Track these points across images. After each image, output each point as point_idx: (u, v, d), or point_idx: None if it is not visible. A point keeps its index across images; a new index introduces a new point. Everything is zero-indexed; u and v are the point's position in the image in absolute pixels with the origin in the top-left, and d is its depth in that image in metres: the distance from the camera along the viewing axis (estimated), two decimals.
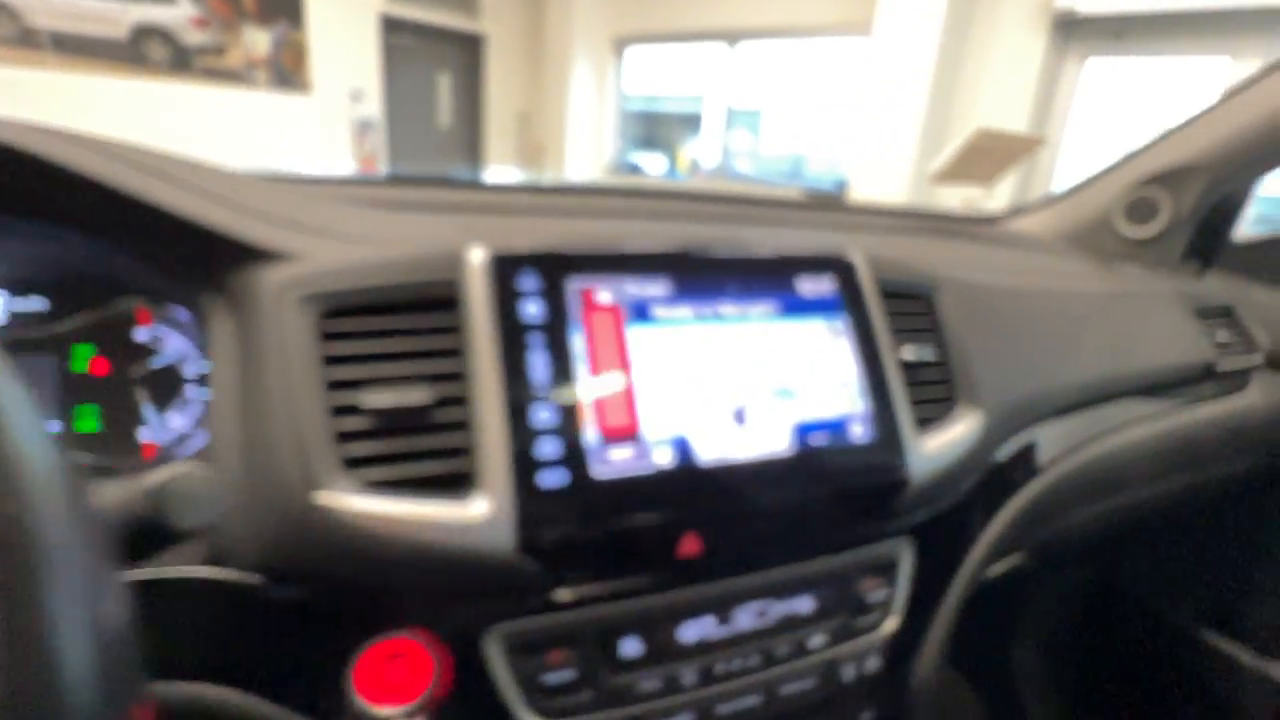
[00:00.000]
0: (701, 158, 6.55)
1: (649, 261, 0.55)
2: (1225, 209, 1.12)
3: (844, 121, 5.48)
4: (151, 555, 0.35)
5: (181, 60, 4.68)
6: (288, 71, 5.24)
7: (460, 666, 0.49)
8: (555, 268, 0.51)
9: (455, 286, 0.50)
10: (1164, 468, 0.95)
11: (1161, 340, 0.94)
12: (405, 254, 0.51)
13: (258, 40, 5.02)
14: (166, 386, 0.59)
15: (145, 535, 0.33)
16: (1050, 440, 0.82)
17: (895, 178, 4.47)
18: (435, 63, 6.35)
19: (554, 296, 0.51)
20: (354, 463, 0.45)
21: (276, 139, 5.26)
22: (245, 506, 0.45)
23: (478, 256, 0.50)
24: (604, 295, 0.53)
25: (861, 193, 4.59)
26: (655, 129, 7.22)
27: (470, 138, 6.79)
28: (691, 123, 6.71)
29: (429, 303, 0.50)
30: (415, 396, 0.46)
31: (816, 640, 0.60)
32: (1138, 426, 0.90)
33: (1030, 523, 0.79)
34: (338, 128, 5.63)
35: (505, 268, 0.50)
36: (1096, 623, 1.35)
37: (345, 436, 0.46)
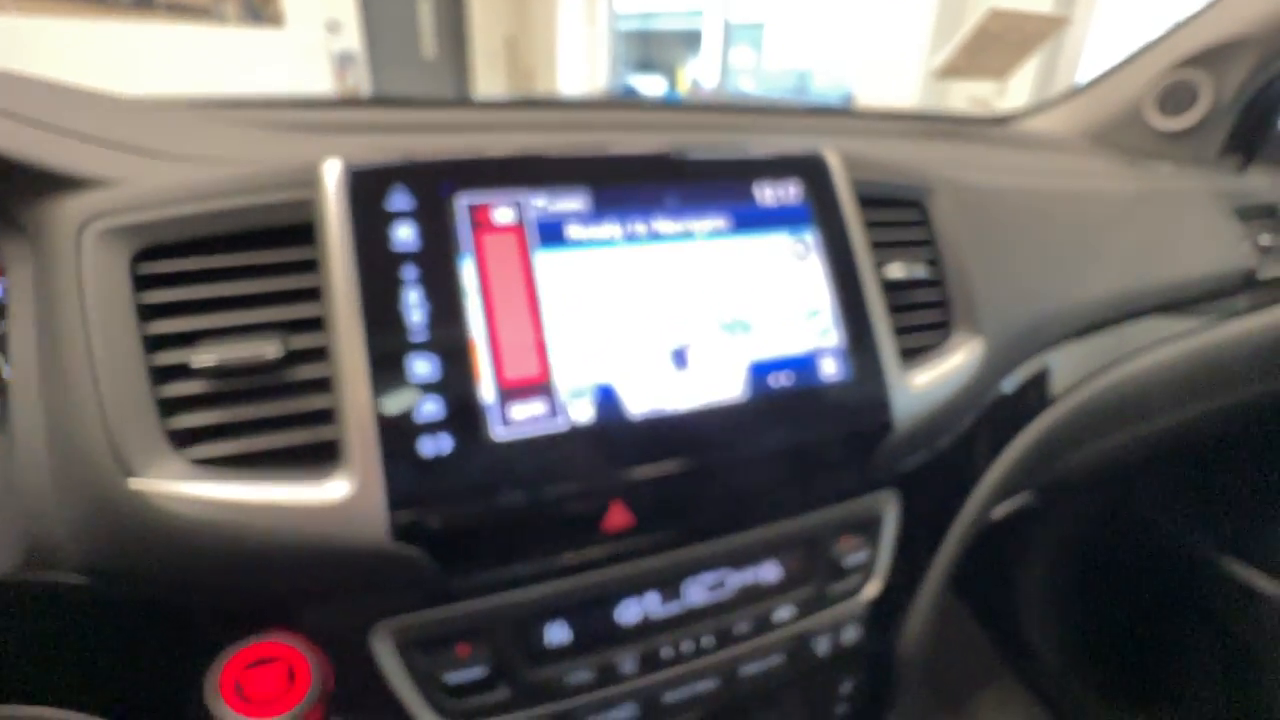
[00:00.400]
0: (702, 77, 6.19)
1: (561, 168, 0.44)
2: (1274, 93, 0.97)
3: (849, 32, 5.12)
4: None
5: None
6: (257, 4, 4.93)
7: (346, 669, 0.41)
8: (435, 180, 0.41)
9: (309, 209, 0.39)
10: (1190, 393, 0.85)
11: (1195, 245, 0.81)
12: (243, 173, 0.40)
13: None
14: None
15: None
16: (1063, 365, 0.71)
17: (903, 87, 4.20)
18: None
19: (435, 217, 0.40)
20: (184, 437, 0.37)
21: (249, 78, 4.99)
22: (55, 496, 0.36)
23: (334, 170, 0.39)
24: (502, 213, 0.42)
25: (867, 104, 4.33)
26: (652, 49, 6.82)
27: (457, 67, 6.44)
28: (691, 41, 6.32)
29: (276, 233, 0.40)
30: (260, 351, 0.37)
31: (783, 613, 0.51)
32: (1162, 348, 0.79)
33: (1039, 460, 0.70)
34: (315, 63, 5.33)
35: (370, 182, 0.39)
36: (1107, 550, 1.28)
37: (171, 405, 0.37)
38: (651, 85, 6.52)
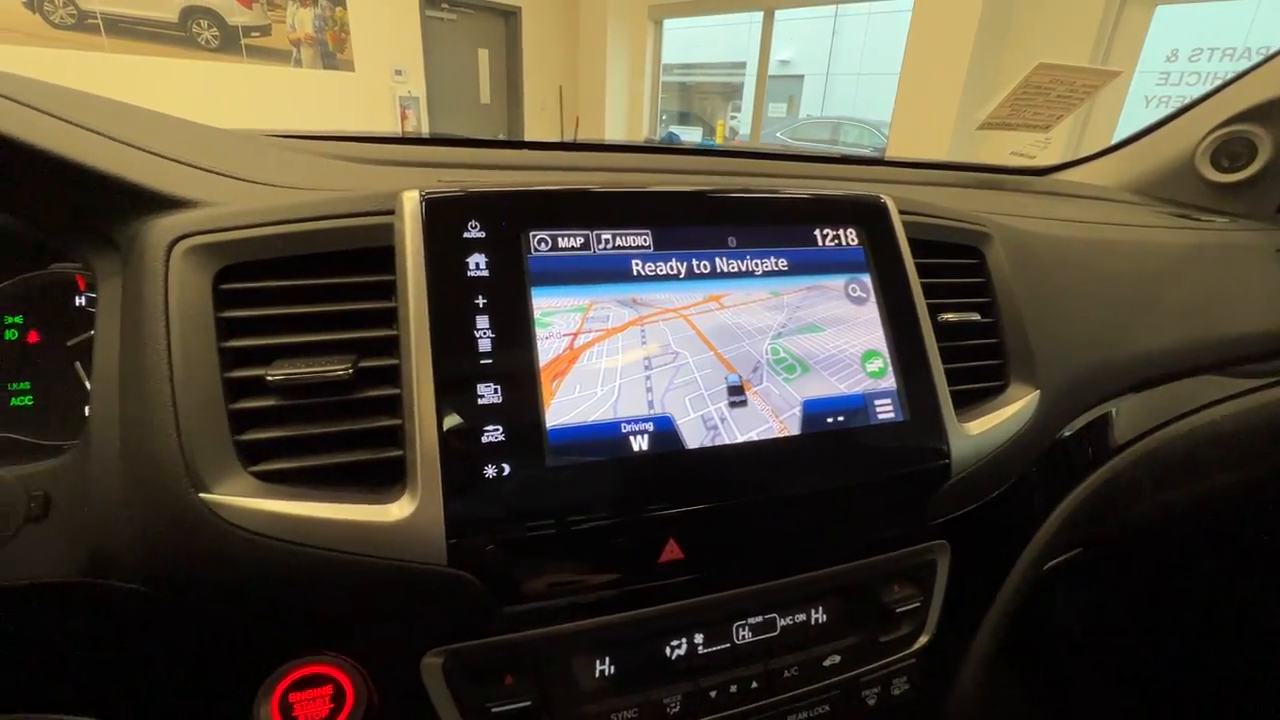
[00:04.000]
0: (739, 128, 6.32)
1: (629, 206, 0.46)
2: None
3: (884, 87, 5.21)
4: None
5: (229, 40, 4.75)
6: (331, 50, 5.27)
7: (392, 695, 0.41)
8: (508, 212, 0.42)
9: (386, 234, 0.42)
10: (1250, 452, 0.82)
11: (1254, 300, 0.79)
12: (324, 198, 0.43)
13: (302, 19, 5.06)
14: None
15: None
16: (1119, 419, 0.70)
17: (936, 140, 4.26)
18: (474, 38, 6.28)
19: (506, 247, 0.42)
20: (253, 451, 0.38)
21: (322, 117, 5.31)
22: (123, 505, 0.37)
23: (413, 198, 0.41)
24: (570, 249, 0.44)
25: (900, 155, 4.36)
26: (694, 101, 7.00)
27: (511, 113, 6.72)
28: (729, 93, 6.48)
29: (353, 257, 0.42)
30: (332, 369, 0.39)
31: (833, 660, 0.50)
32: (1220, 405, 0.76)
33: (1093, 515, 0.68)
34: (381, 104, 5.64)
35: (446, 211, 0.41)
36: (1160, 614, 1.21)
37: (243, 419, 0.38)
38: (691, 136, 6.68)
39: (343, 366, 0.39)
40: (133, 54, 4.40)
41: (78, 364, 0.58)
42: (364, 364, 0.40)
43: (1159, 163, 1.06)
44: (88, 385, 0.57)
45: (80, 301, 0.60)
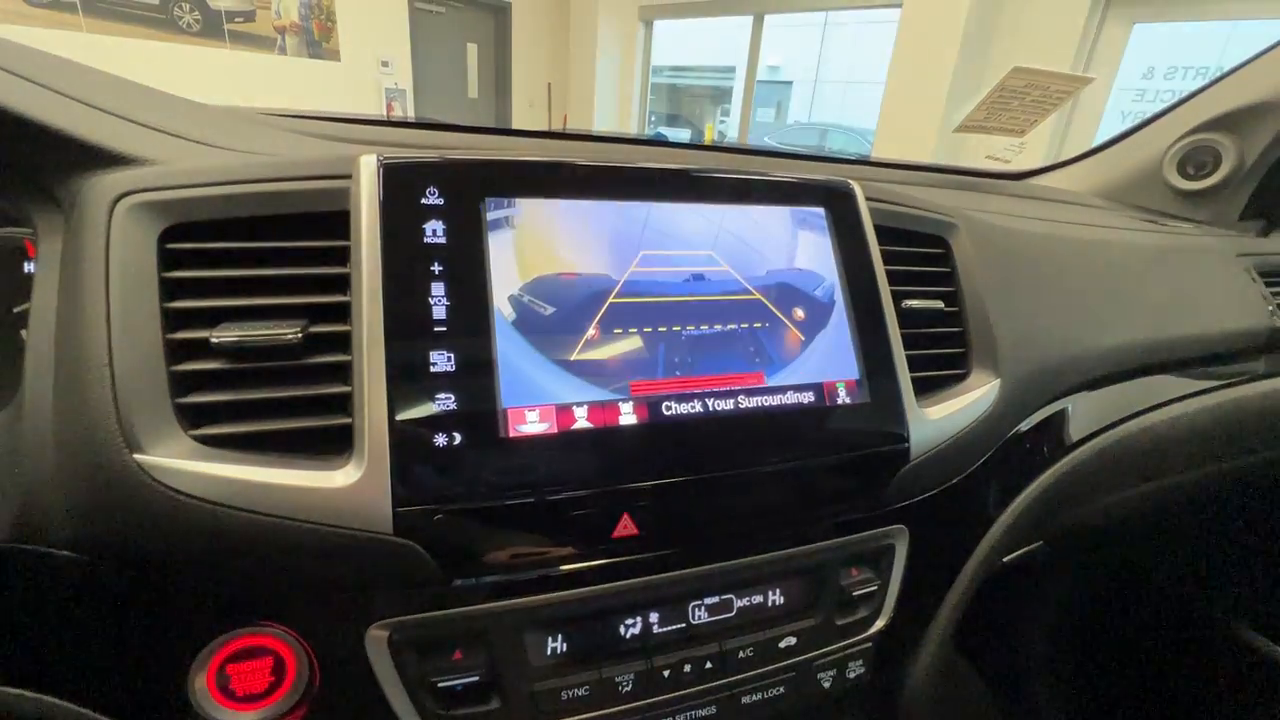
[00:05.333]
0: (727, 131, 6.36)
1: (590, 179, 0.45)
2: None
3: (871, 96, 5.28)
4: None
5: (211, 24, 4.67)
6: (317, 38, 5.20)
7: (335, 669, 0.40)
8: (467, 180, 0.42)
9: (341, 199, 0.41)
10: (1206, 452, 0.83)
11: (1216, 302, 0.81)
12: (277, 160, 0.42)
13: (287, 6, 4.98)
14: None
15: None
16: (1079, 414, 0.71)
17: (920, 145, 4.32)
18: (463, 32, 6.24)
19: (464, 215, 0.41)
20: (194, 415, 0.37)
21: (306, 107, 5.24)
22: (56, 467, 0.36)
23: (370, 163, 0.40)
24: (528, 219, 0.43)
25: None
26: (681, 103, 7.02)
27: (498, 109, 6.68)
28: (718, 97, 6.51)
29: (304, 220, 0.41)
30: (280, 333, 0.38)
31: (788, 642, 0.50)
32: (1179, 404, 0.78)
33: (1051, 509, 0.68)
34: (367, 95, 5.58)
35: (404, 176, 0.40)
36: (1116, 610, 1.23)
37: (185, 381, 0.37)
38: (679, 138, 6.70)
39: (291, 330, 0.38)
40: (111, 34, 4.31)
41: (23, 332, 0.57)
42: (314, 329, 0.39)
43: (1128, 169, 1.08)
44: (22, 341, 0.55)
45: (29, 268, 0.58)
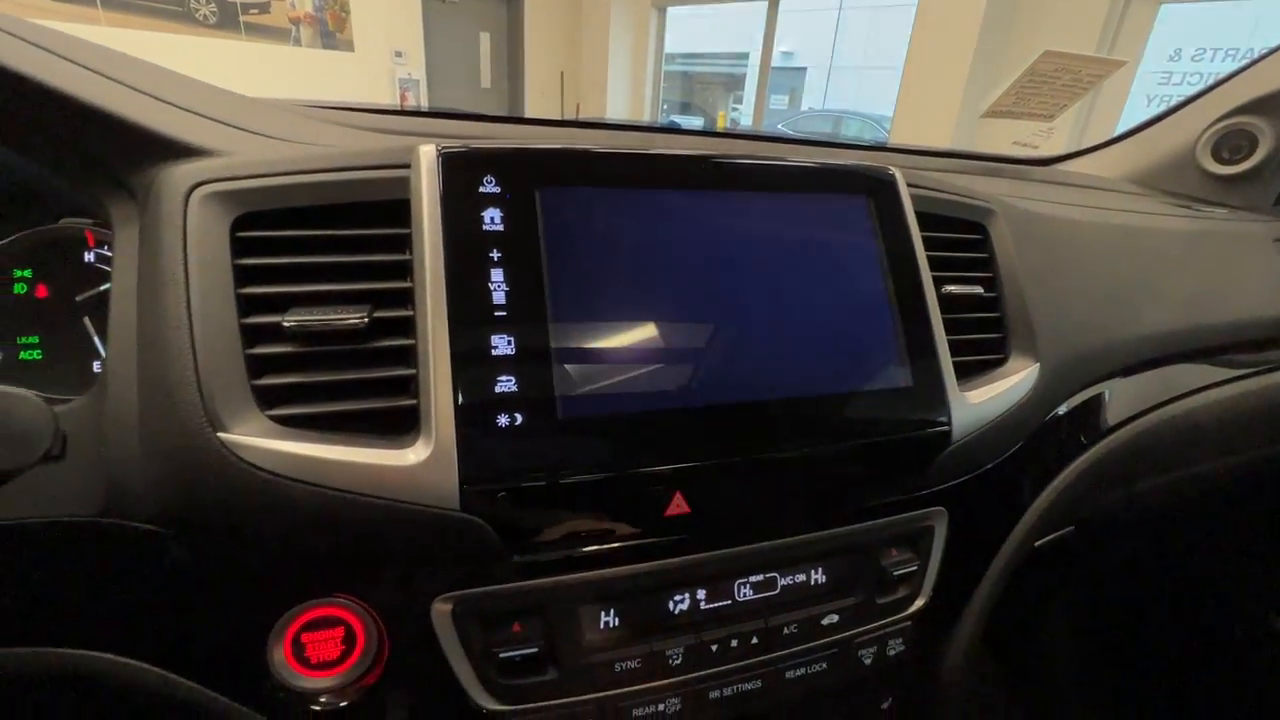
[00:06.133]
0: (740, 119, 6.31)
1: (643, 167, 0.46)
2: None
3: (887, 82, 5.22)
4: None
5: (227, 16, 4.71)
6: (331, 29, 5.23)
7: (402, 639, 0.42)
8: (523, 169, 0.43)
9: (402, 188, 0.42)
10: (1244, 437, 0.83)
11: (1254, 288, 0.81)
12: (338, 151, 0.43)
13: None
14: None
15: None
16: (1114, 400, 0.71)
17: (939, 131, 4.27)
18: (476, 21, 6.24)
19: (521, 203, 0.42)
20: (269, 396, 0.38)
21: (320, 97, 5.27)
22: (141, 446, 0.38)
23: (429, 153, 0.42)
24: (582, 206, 0.44)
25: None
26: (695, 90, 6.97)
27: (511, 97, 6.68)
28: (731, 84, 6.47)
29: (368, 210, 0.42)
30: (347, 317, 0.39)
31: (831, 619, 0.51)
32: (1217, 389, 0.78)
33: (1086, 493, 0.69)
34: (381, 85, 5.60)
35: (462, 165, 0.42)
36: (1143, 601, 1.23)
37: (259, 364, 0.39)
38: (692, 126, 6.66)
39: (358, 315, 0.40)
40: (129, 28, 4.35)
41: (86, 319, 0.59)
42: (378, 315, 0.41)
43: (1160, 154, 1.07)
44: (96, 340, 0.57)
45: (89, 258, 0.60)
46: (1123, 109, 4.04)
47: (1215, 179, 0.99)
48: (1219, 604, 1.13)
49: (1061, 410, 0.65)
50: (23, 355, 0.54)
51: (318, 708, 0.41)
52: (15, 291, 0.54)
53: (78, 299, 0.59)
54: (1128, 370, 0.70)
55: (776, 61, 6.09)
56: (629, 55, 6.64)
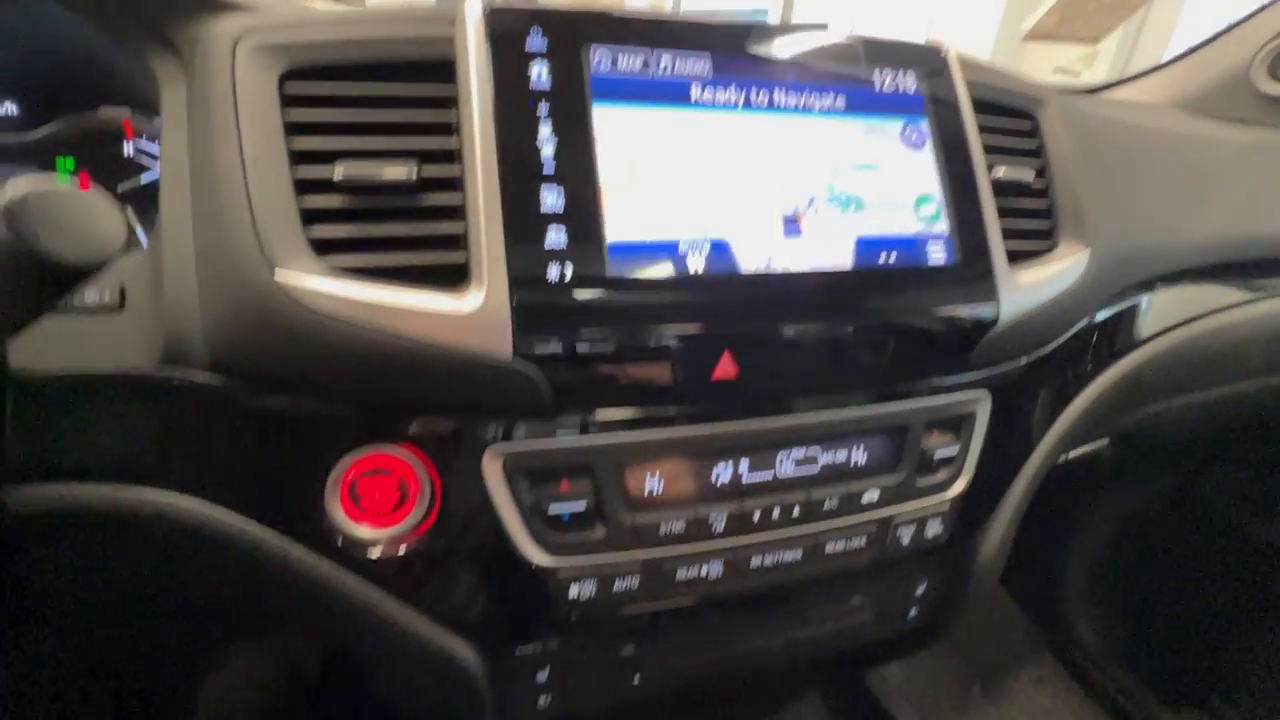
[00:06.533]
0: None
1: (690, 32, 0.45)
2: None
3: (918, 8, 5.02)
4: (39, 299, 0.29)
5: None
6: None
7: (454, 490, 0.43)
8: (570, 27, 0.42)
9: (447, 46, 0.41)
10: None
11: None
12: (385, 8, 0.43)
13: None
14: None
15: (19, 273, 0.27)
16: (1156, 310, 0.70)
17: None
18: None
19: (568, 61, 0.42)
20: (322, 247, 0.38)
21: None
22: (200, 292, 0.39)
23: (475, 9, 0.41)
24: (631, 68, 0.43)
25: None
26: None
27: None
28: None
29: (414, 67, 0.41)
30: (395, 172, 0.39)
31: (871, 495, 0.51)
32: (1262, 304, 0.76)
33: (1122, 402, 0.68)
34: None
35: (509, 22, 0.41)
36: (1166, 535, 1.23)
37: (311, 216, 0.39)
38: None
39: (407, 168, 0.39)
40: None
41: (129, 210, 0.59)
42: (426, 171, 0.40)
43: (1211, 76, 1.03)
44: (139, 231, 0.58)
45: (129, 151, 0.60)
46: (1168, 42, 3.84)
47: (1271, 100, 0.96)
48: (1245, 541, 1.12)
49: (1104, 315, 0.64)
50: None
51: (374, 555, 0.42)
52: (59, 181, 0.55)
53: (120, 190, 0.60)
54: (1175, 277, 0.69)
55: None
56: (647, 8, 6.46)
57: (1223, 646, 1.16)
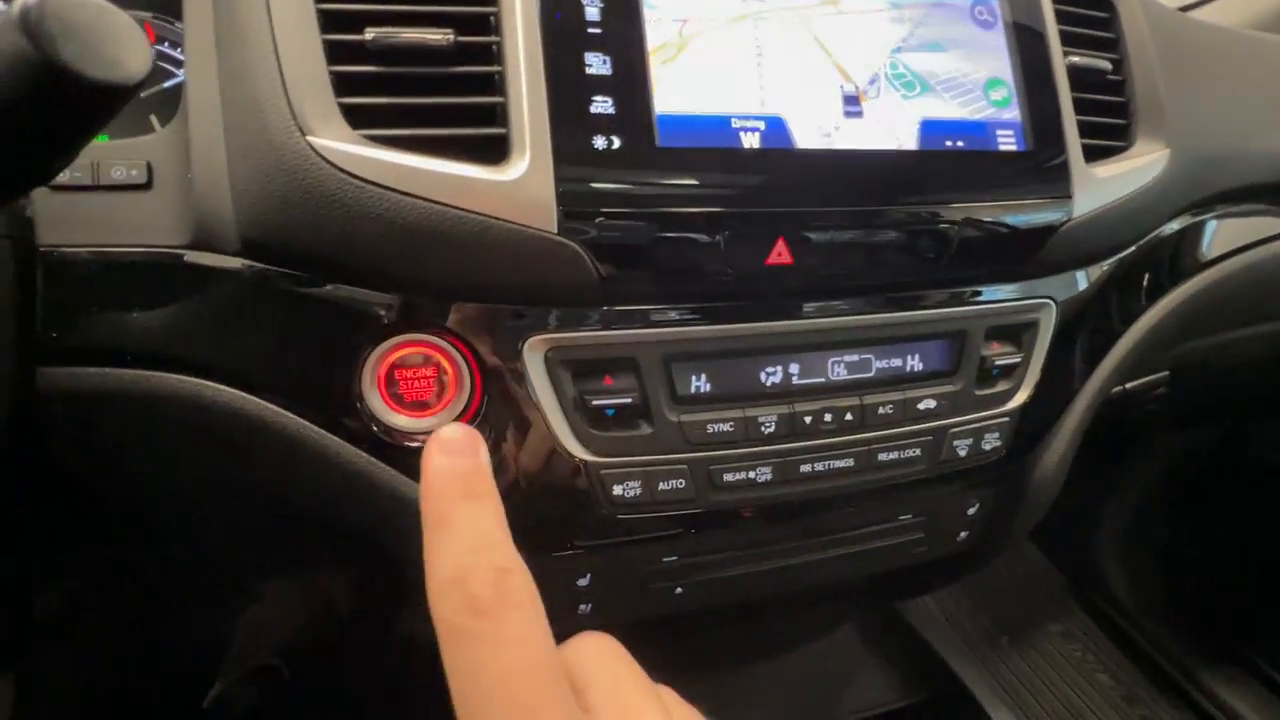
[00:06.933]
0: None
1: None
2: None
3: None
4: (60, 125, 0.26)
5: None
6: None
7: (495, 381, 0.41)
8: None
9: None
10: None
11: None
12: None
13: None
14: None
15: (38, 89, 0.24)
16: (1232, 230, 0.65)
17: None
18: None
19: None
20: (356, 115, 0.36)
21: None
22: (230, 161, 0.37)
23: None
24: None
25: None
26: None
27: None
28: None
29: None
30: (432, 36, 0.36)
31: (927, 404, 0.49)
32: None
33: (1192, 324, 0.64)
34: None
35: None
36: (1203, 489, 1.19)
37: (345, 82, 0.36)
38: None
39: (443, 34, 0.37)
40: None
41: (152, 116, 0.57)
42: (462, 39, 0.38)
43: None
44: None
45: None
46: None
47: None
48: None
49: (1177, 226, 0.60)
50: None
51: (414, 444, 0.41)
52: None
53: (143, 95, 0.58)
54: (1256, 192, 0.64)
55: None
56: None
57: (1261, 600, 1.12)
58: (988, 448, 0.51)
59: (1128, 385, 0.72)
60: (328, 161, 0.35)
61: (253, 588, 1.10)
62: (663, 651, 0.37)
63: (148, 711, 0.96)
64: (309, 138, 0.35)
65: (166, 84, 0.59)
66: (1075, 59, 0.49)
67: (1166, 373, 0.74)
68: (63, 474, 0.43)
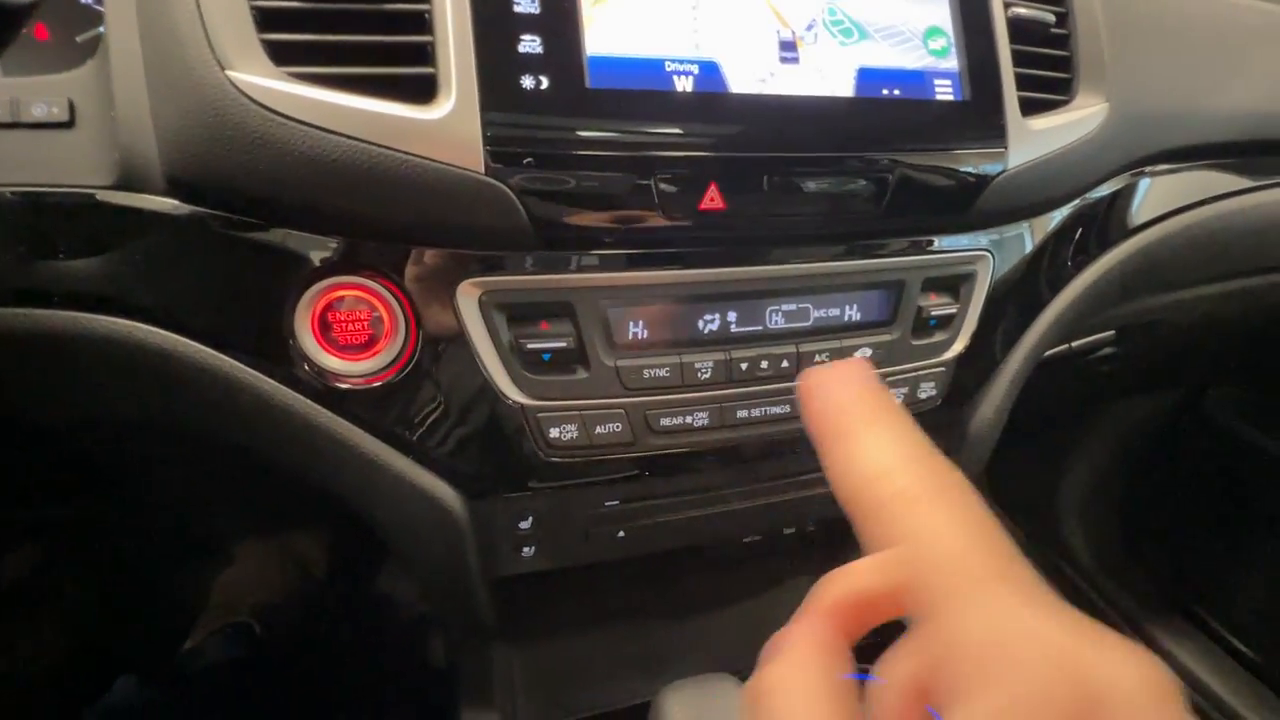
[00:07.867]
0: None
1: None
2: None
3: None
4: None
5: None
6: None
7: (430, 325, 0.41)
8: None
9: None
10: None
11: None
12: None
13: None
14: None
15: None
16: (1171, 190, 0.66)
17: None
18: None
19: None
20: (279, 52, 0.35)
21: None
22: (151, 98, 0.36)
23: None
24: None
25: None
26: None
27: None
28: None
29: None
30: None
31: (863, 353, 0.50)
32: (1265, 193, 0.72)
33: (1131, 283, 0.65)
34: None
35: None
36: (1163, 452, 1.22)
37: (268, 19, 0.35)
38: None
39: None
40: None
41: (89, 61, 0.56)
42: None
43: None
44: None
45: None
46: None
47: None
48: (1243, 455, 1.11)
49: (1117, 186, 0.60)
50: None
51: (345, 385, 0.41)
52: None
53: (78, 39, 0.57)
54: (1196, 152, 0.64)
55: None
56: None
57: (1213, 559, 1.16)
58: (923, 396, 0.52)
59: (1074, 344, 0.73)
60: (248, 98, 0.34)
61: (226, 549, 1.11)
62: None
63: (123, 666, 0.97)
64: (229, 73, 0.34)
65: (101, 28, 0.58)
66: (1018, 10, 0.49)
67: (1113, 332, 0.76)
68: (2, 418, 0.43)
